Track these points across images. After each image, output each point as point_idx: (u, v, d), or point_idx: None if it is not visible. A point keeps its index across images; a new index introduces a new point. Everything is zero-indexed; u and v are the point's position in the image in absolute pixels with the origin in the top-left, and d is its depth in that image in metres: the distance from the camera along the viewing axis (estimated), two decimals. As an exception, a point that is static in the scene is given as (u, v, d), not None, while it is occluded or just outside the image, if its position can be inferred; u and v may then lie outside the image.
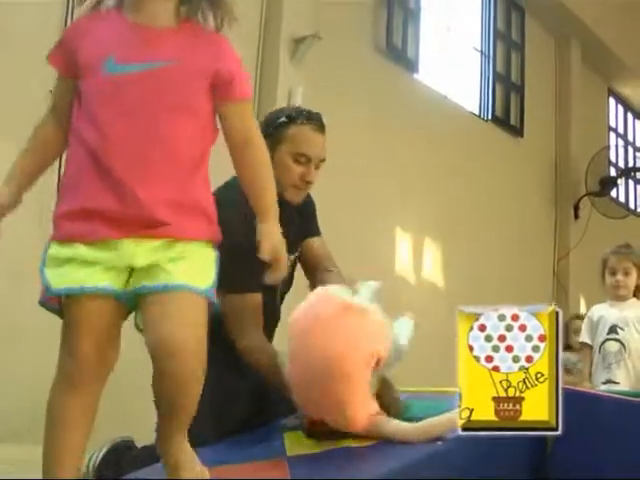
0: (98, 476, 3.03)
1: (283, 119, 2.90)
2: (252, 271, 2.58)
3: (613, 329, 4.39)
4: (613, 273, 4.40)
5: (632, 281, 4.40)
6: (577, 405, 2.50)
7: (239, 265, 2.63)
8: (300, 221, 3.06)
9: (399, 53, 7.23)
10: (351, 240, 6.37)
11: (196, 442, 2.58)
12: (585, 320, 4.57)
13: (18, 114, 4.68)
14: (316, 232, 3.23)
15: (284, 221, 2.89)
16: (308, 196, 3.15)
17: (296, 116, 2.91)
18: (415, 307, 7.45)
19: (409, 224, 7.25)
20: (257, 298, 2.80)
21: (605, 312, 4.45)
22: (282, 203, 2.82)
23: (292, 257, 3.00)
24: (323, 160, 2.97)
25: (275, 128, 2.88)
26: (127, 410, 4.74)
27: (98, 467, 3.03)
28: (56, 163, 4.70)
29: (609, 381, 4.34)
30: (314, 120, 2.93)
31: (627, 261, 4.41)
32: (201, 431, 2.64)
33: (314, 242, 3.20)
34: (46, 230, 4.87)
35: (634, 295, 4.40)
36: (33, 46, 4.76)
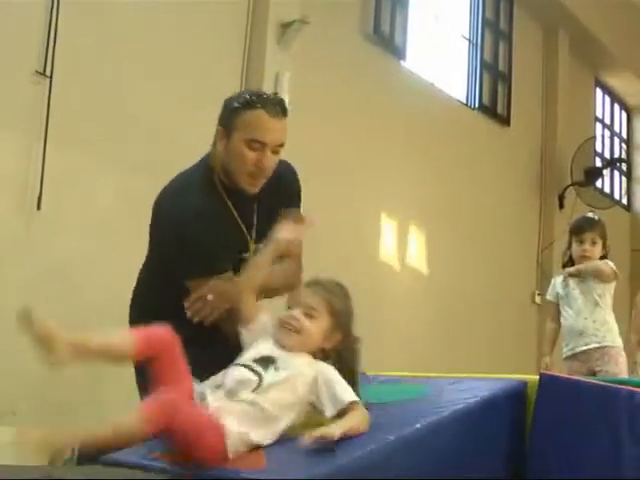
0: (82, 458, 3.02)
1: (236, 105, 2.84)
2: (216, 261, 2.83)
3: None
4: (581, 242, 4.58)
5: (598, 251, 4.58)
6: (555, 392, 2.51)
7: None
8: (275, 202, 3.01)
9: (387, 40, 7.22)
10: (335, 226, 6.37)
11: None
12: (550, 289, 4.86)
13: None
14: None
15: (244, 208, 2.94)
16: (293, 173, 3.14)
17: (251, 101, 2.83)
18: (398, 293, 7.51)
19: (394, 211, 7.26)
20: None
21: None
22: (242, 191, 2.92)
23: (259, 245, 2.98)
24: (281, 145, 2.89)
25: (229, 115, 2.85)
26: (109, 392, 4.75)
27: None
28: (40, 146, 4.71)
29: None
30: (270, 104, 2.85)
31: (596, 232, 4.59)
32: None
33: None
34: (28, 215, 4.89)
35: None
36: (15, 45, 4.74)
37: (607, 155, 10.37)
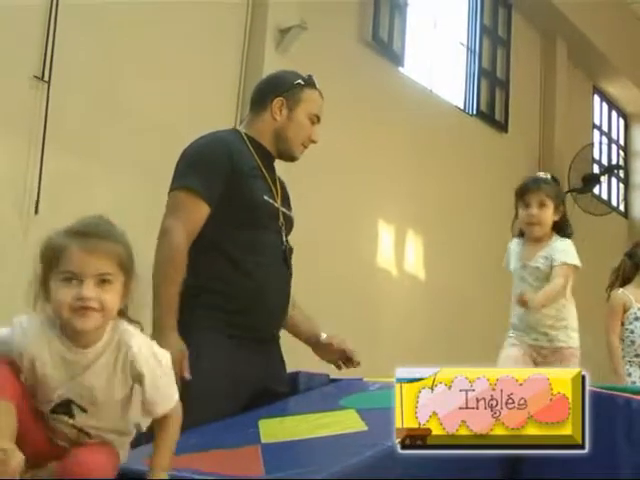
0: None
1: (300, 81, 3.07)
2: (211, 185, 2.80)
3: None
4: (527, 205, 3.80)
5: (548, 216, 3.78)
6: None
7: (199, 171, 2.82)
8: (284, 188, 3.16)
9: (385, 46, 7.23)
10: (334, 232, 6.37)
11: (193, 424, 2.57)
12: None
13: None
14: None
15: (268, 168, 3.02)
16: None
17: (310, 81, 3.10)
18: (395, 298, 7.51)
19: (392, 217, 7.26)
20: (202, 207, 2.82)
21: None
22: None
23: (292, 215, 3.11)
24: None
25: (292, 89, 3.05)
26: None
27: None
28: (38, 150, 4.71)
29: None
30: (317, 87, 3.14)
31: (543, 193, 3.79)
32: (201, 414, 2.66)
33: None
34: (26, 219, 4.88)
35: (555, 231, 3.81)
36: (14, 50, 4.74)
37: (605, 162, 10.39)
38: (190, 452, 2.28)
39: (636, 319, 5.15)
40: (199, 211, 2.81)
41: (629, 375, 5.09)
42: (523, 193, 3.85)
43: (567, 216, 3.88)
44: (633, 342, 5.15)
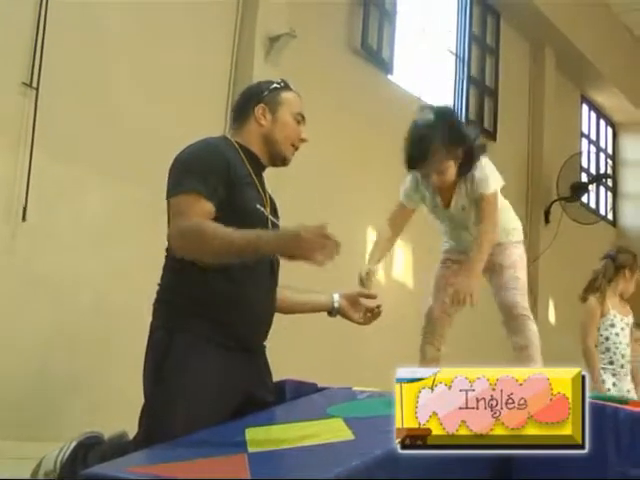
0: (64, 472, 3.00)
1: (276, 85, 3.10)
2: (214, 188, 2.76)
3: None
4: (425, 176, 3.36)
5: (450, 174, 3.27)
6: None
7: (200, 176, 2.78)
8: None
9: (374, 54, 7.24)
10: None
11: (168, 433, 2.56)
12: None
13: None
14: None
15: (258, 175, 3.03)
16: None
17: (286, 84, 3.13)
18: (384, 308, 7.47)
19: (380, 224, 7.25)
20: (207, 206, 2.78)
21: None
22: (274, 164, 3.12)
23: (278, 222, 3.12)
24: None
25: (270, 93, 3.07)
26: (96, 405, 4.72)
27: (65, 463, 3.00)
28: (26, 157, 4.70)
29: None
30: (293, 88, 3.17)
31: (435, 159, 3.20)
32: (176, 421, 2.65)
33: None
34: (13, 227, 4.86)
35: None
36: (2, 57, 4.72)
37: (593, 171, 10.42)
38: (176, 461, 2.27)
39: (612, 325, 5.18)
40: (206, 208, 2.76)
41: (603, 382, 5.10)
42: (409, 167, 3.35)
43: (472, 145, 3.23)
44: (608, 349, 5.17)
